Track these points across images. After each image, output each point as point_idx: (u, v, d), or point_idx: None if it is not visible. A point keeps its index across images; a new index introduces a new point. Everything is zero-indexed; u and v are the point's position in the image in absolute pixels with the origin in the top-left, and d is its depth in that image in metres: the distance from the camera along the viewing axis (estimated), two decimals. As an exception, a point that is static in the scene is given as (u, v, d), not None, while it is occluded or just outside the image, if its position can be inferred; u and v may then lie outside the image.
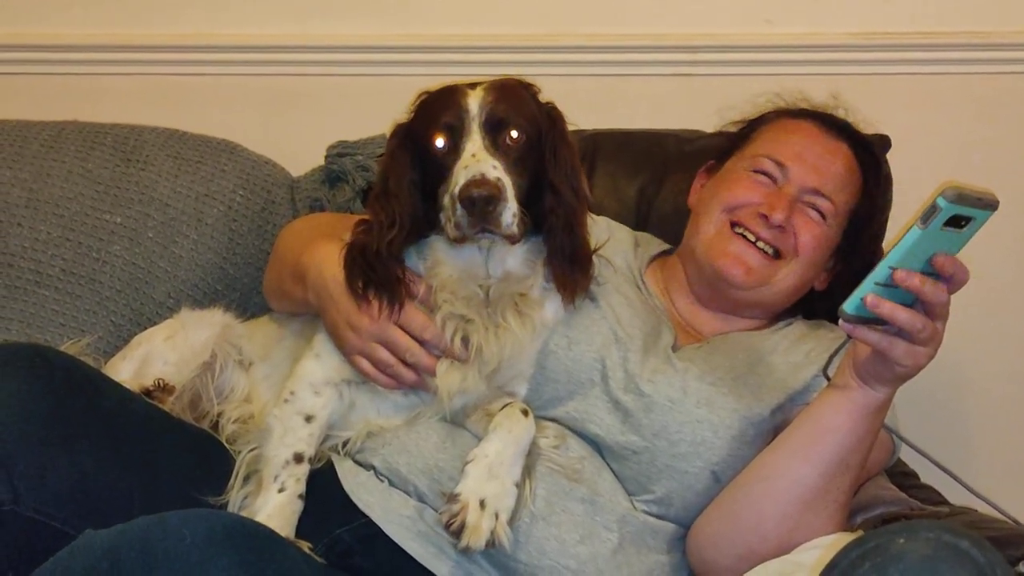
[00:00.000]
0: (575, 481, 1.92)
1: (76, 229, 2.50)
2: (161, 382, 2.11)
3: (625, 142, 2.62)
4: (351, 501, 1.92)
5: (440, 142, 1.87)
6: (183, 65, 2.96)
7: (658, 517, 1.96)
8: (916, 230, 1.55)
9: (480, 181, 1.79)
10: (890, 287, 1.58)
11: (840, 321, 1.63)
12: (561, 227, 1.92)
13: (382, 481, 1.94)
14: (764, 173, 2.15)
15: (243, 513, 1.89)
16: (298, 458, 1.94)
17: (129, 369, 2.15)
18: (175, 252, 2.52)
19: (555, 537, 1.88)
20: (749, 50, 2.85)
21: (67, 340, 2.36)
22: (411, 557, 1.87)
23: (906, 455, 2.16)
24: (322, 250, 1.99)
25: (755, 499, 1.86)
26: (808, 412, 1.85)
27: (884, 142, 2.43)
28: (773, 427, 1.99)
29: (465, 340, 1.93)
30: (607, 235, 2.17)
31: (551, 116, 1.96)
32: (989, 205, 1.55)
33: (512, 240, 1.86)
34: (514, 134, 1.87)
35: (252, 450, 1.99)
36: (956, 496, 2.10)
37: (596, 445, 1.98)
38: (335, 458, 1.99)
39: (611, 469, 1.97)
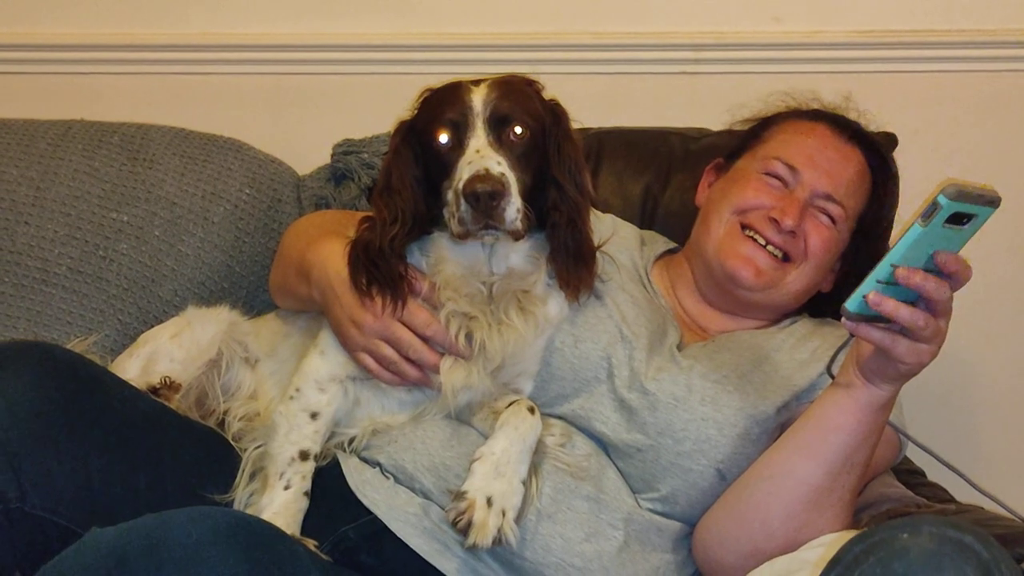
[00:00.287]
0: (581, 479, 1.92)
1: (83, 227, 2.51)
2: (167, 380, 2.12)
3: (630, 140, 2.61)
4: (357, 498, 1.92)
5: (444, 138, 1.86)
6: (190, 64, 2.97)
7: (663, 515, 1.95)
8: (918, 227, 1.54)
9: (484, 176, 1.78)
10: (892, 285, 1.58)
11: (843, 319, 1.62)
12: (565, 223, 1.92)
13: (388, 478, 1.95)
14: (775, 176, 2.14)
15: (249, 511, 1.90)
16: (303, 455, 1.94)
17: (135, 367, 2.16)
18: (181, 250, 2.52)
19: (561, 535, 1.88)
20: (756, 48, 2.84)
21: (74, 338, 2.37)
22: (417, 554, 1.87)
23: (913, 453, 2.15)
24: (326, 247, 1.99)
25: (760, 498, 1.86)
26: (812, 410, 1.84)
27: (891, 140, 2.42)
28: (778, 425, 1.98)
29: (468, 337, 1.92)
30: (612, 232, 2.16)
31: (555, 112, 1.95)
32: (991, 202, 1.54)
33: (516, 236, 1.85)
34: (518, 130, 1.86)
35: (258, 447, 2.00)
36: (963, 494, 2.08)
37: (601, 443, 1.98)
38: (340, 455, 1.99)
39: (616, 467, 1.97)
